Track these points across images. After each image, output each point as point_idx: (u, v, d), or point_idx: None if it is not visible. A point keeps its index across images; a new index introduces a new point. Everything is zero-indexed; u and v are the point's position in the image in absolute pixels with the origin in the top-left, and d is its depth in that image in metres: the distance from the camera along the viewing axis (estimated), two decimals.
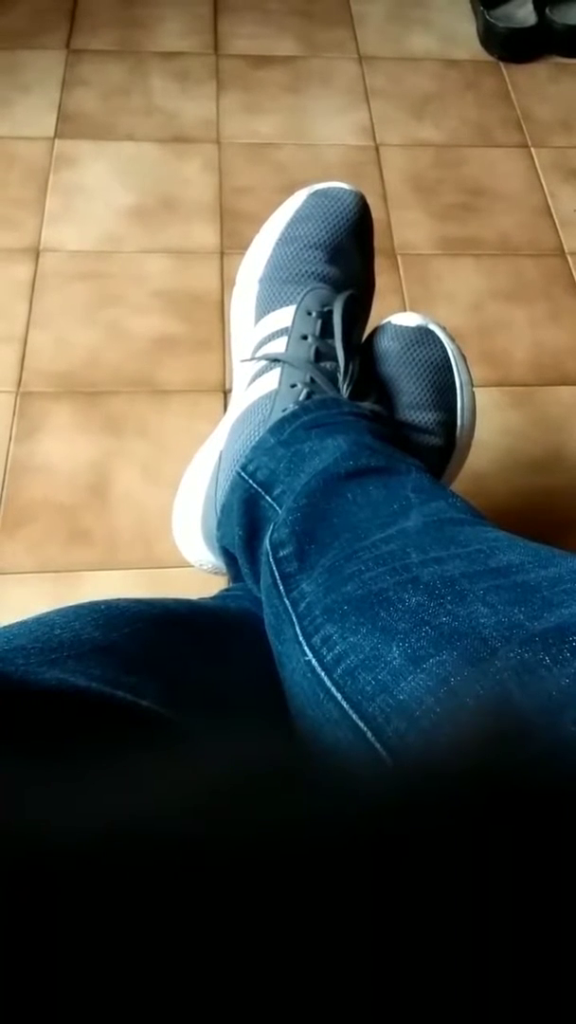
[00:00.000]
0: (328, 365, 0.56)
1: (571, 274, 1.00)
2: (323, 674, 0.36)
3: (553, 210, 1.07)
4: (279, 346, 0.57)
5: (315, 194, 0.62)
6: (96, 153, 1.08)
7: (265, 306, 0.60)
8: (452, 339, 0.60)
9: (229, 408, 0.60)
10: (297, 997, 0.14)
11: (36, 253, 0.97)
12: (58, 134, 1.10)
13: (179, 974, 0.14)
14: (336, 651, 0.36)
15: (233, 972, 0.14)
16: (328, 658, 0.36)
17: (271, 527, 0.46)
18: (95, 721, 0.30)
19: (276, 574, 0.43)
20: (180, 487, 0.62)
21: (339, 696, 0.34)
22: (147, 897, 0.15)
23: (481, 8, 1.24)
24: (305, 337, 0.56)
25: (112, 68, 1.18)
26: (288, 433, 0.51)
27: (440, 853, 0.16)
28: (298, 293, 0.58)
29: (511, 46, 1.23)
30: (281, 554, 0.43)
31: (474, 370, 0.63)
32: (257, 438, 0.53)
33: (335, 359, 0.56)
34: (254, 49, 1.23)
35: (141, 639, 0.38)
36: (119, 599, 0.41)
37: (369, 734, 0.32)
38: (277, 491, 0.49)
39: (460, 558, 0.37)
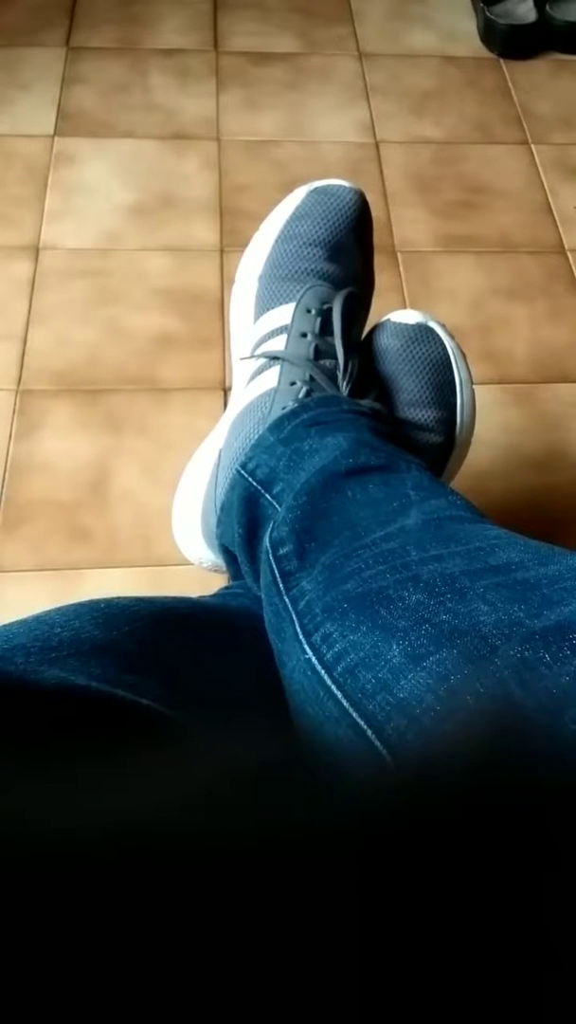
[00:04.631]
0: (327, 363, 0.56)
1: (571, 271, 1.00)
2: (323, 672, 0.36)
3: (553, 207, 1.07)
4: (278, 344, 0.57)
5: (314, 191, 0.62)
6: (96, 151, 1.08)
7: (264, 304, 0.60)
8: (452, 336, 0.60)
9: (229, 406, 0.60)
10: (295, 994, 0.14)
11: (36, 251, 0.97)
12: (57, 132, 1.10)
13: (178, 972, 0.14)
14: (336, 649, 0.36)
15: (232, 970, 0.14)
16: (328, 656, 0.36)
17: (271, 525, 0.46)
18: (95, 720, 0.30)
19: (276, 572, 0.43)
20: (180, 485, 0.62)
21: (339, 694, 0.34)
22: (147, 896, 0.15)
23: (481, 5, 1.24)
24: (304, 335, 0.56)
25: (112, 65, 1.18)
26: (288, 431, 0.51)
27: (440, 851, 0.16)
28: (297, 291, 0.58)
29: (511, 43, 1.23)
30: (281, 552, 0.43)
31: (474, 367, 0.63)
32: (257, 436, 0.53)
33: (334, 357, 0.56)
34: (254, 46, 1.23)
35: (141, 638, 0.38)
36: (119, 597, 0.41)
37: (369, 732, 0.32)
38: (277, 489, 0.49)
39: (460, 556, 0.37)
